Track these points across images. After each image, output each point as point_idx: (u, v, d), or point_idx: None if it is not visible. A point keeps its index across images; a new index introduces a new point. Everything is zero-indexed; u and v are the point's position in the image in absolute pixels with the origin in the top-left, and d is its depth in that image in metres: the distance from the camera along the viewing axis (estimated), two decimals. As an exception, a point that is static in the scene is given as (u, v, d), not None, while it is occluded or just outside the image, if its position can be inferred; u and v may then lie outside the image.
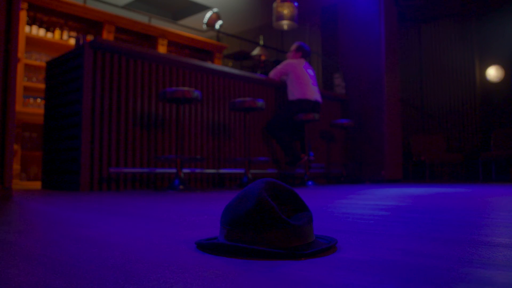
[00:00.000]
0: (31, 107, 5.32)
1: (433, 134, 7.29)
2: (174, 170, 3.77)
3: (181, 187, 3.42)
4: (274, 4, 5.69)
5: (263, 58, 7.72)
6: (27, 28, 5.30)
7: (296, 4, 5.63)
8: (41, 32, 5.48)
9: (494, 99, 7.15)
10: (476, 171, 6.92)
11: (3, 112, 2.32)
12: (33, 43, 5.50)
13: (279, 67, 4.85)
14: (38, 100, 5.43)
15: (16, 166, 4.94)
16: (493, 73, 7.09)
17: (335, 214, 1.62)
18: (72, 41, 5.66)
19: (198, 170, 4.08)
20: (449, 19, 7.50)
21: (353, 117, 5.98)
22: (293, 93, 4.75)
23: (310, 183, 4.69)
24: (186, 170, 3.96)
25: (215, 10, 7.09)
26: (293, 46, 4.97)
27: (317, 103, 4.83)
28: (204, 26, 7.03)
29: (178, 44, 7.06)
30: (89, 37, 5.77)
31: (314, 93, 4.79)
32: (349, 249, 0.87)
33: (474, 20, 7.28)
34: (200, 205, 2.08)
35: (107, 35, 5.92)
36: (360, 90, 6.01)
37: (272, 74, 4.84)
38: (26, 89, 5.35)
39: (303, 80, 4.74)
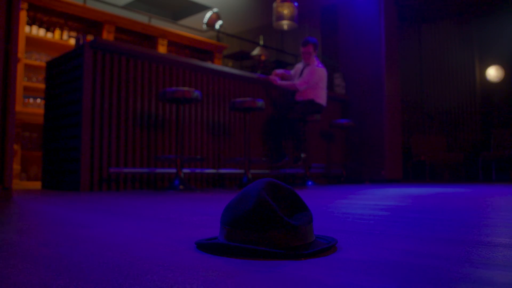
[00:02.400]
0: (31, 107, 5.31)
1: (433, 134, 7.29)
2: (174, 170, 3.77)
3: (181, 187, 3.42)
4: (274, 4, 5.69)
5: (263, 58, 7.72)
6: (27, 28, 5.29)
7: (296, 4, 5.63)
8: (41, 32, 5.48)
9: (494, 99, 7.15)
10: (476, 171, 6.92)
11: (3, 112, 2.32)
12: (33, 43, 5.49)
13: (311, 78, 4.64)
14: (38, 100, 5.43)
15: (16, 166, 4.94)
16: (493, 73, 7.09)
17: (335, 214, 1.63)
18: (72, 41, 5.66)
19: (198, 170, 4.08)
20: (449, 19, 7.50)
21: (353, 117, 5.98)
22: (316, 94, 4.72)
23: (310, 183, 4.69)
24: (186, 170, 3.96)
25: (215, 10, 7.10)
26: (310, 47, 4.70)
27: (324, 107, 4.91)
28: (204, 26, 7.03)
29: (178, 44, 7.05)
30: (89, 37, 5.77)
31: (326, 98, 4.91)
32: (349, 249, 0.87)
33: (474, 20, 7.28)
34: (200, 205, 2.08)
35: (107, 35, 5.92)
36: (360, 90, 6.01)
37: (302, 85, 4.64)
38: (26, 89, 5.35)
39: (324, 88, 4.81)
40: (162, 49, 6.57)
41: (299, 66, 4.93)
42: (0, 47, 2.31)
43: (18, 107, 5.02)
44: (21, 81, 5.16)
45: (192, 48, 7.26)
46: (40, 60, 5.47)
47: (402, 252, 0.84)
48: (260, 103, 3.93)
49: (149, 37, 6.62)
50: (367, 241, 0.98)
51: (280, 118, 4.85)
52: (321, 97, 4.76)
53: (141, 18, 7.22)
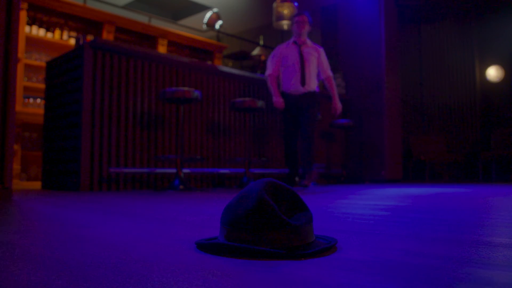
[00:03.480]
0: (31, 107, 5.31)
1: (433, 134, 7.28)
2: (174, 170, 3.77)
3: (181, 187, 3.42)
4: (274, 4, 5.69)
5: (263, 58, 7.72)
6: (27, 28, 5.30)
7: (296, 4, 5.64)
8: (41, 32, 5.48)
9: (494, 99, 7.15)
10: (476, 171, 6.92)
11: (3, 112, 2.32)
12: (33, 43, 5.49)
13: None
14: (38, 100, 5.43)
15: (16, 166, 4.94)
16: (493, 73, 7.08)
17: (335, 214, 1.63)
18: (72, 41, 5.66)
19: (198, 170, 4.08)
20: (449, 19, 7.50)
21: (353, 117, 5.98)
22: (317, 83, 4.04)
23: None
24: (186, 170, 3.96)
25: (215, 10, 7.09)
26: (304, 17, 3.91)
27: None
28: (204, 26, 7.03)
29: (178, 44, 7.05)
30: (89, 37, 5.77)
31: None
32: (349, 249, 0.87)
33: (474, 20, 7.28)
34: (200, 205, 2.08)
35: (107, 35, 5.92)
36: (360, 90, 6.01)
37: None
38: (26, 89, 5.35)
39: None
40: (162, 49, 6.57)
41: (284, 50, 3.94)
42: (0, 47, 2.31)
43: (18, 107, 5.02)
44: (21, 81, 5.16)
45: (192, 48, 7.26)
46: (40, 60, 5.47)
47: (402, 252, 0.84)
48: (260, 103, 3.92)
49: (149, 37, 6.62)
50: (367, 241, 0.98)
51: (295, 128, 3.89)
52: None
53: (141, 18, 7.22)
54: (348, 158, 5.99)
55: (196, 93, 3.44)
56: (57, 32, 5.61)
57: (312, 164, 3.75)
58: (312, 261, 0.75)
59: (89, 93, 3.39)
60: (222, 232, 0.87)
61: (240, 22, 8.93)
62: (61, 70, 3.71)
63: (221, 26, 7.11)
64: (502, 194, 2.88)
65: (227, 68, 4.45)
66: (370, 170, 5.80)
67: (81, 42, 3.49)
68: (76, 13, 5.68)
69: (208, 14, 7.05)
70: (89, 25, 5.99)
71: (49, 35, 5.55)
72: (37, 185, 4.55)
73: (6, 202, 2.12)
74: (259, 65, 7.81)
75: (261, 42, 7.85)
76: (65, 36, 5.69)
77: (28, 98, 5.36)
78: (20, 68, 5.07)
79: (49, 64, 3.92)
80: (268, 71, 3.95)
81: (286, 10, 5.57)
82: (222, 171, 4.31)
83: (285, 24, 5.68)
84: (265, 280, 0.61)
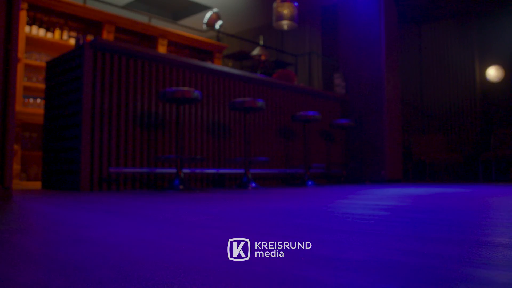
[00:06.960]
0: (31, 107, 5.31)
1: (433, 134, 7.28)
2: (174, 170, 3.77)
3: (181, 187, 3.41)
4: (274, 4, 5.69)
5: (263, 58, 7.72)
6: (27, 28, 5.29)
7: (296, 4, 5.63)
8: (41, 32, 5.47)
9: (494, 99, 7.15)
10: (476, 171, 6.91)
11: (3, 112, 2.32)
12: (33, 43, 5.49)
13: None
14: (38, 100, 5.42)
15: (16, 166, 4.94)
16: (493, 73, 7.09)
17: (335, 214, 1.63)
18: (72, 41, 5.65)
19: (198, 170, 4.08)
20: (449, 19, 7.50)
21: (353, 117, 5.97)
22: None
23: (310, 183, 4.69)
24: (186, 170, 3.96)
25: (215, 10, 7.10)
26: None
27: None
28: (204, 26, 7.03)
29: (178, 44, 7.05)
30: (89, 37, 5.77)
31: None
32: (349, 249, 0.87)
33: (474, 20, 7.28)
34: (200, 205, 2.08)
35: (107, 35, 5.92)
36: (360, 90, 6.01)
37: None
38: (26, 89, 5.35)
39: None
40: (162, 49, 6.57)
41: None
42: (0, 47, 2.31)
43: (18, 107, 5.02)
44: (21, 81, 5.16)
45: (192, 48, 7.25)
46: (40, 60, 5.47)
47: (402, 252, 0.84)
48: (260, 103, 3.92)
49: (149, 37, 6.61)
50: (367, 241, 0.98)
51: None
52: None
53: (141, 18, 7.22)
54: (348, 158, 5.99)
55: (196, 93, 3.44)
56: (57, 32, 5.61)
57: None
58: (312, 261, 0.75)
59: (89, 93, 3.39)
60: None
61: (240, 22, 8.93)
62: (61, 70, 3.71)
63: (221, 26, 7.11)
64: (502, 194, 2.88)
65: (227, 68, 4.45)
66: (370, 170, 5.80)
67: (81, 42, 3.48)
68: (76, 13, 5.68)
69: (208, 14, 7.05)
70: (89, 25, 5.99)
71: (49, 35, 5.55)
72: (37, 185, 4.54)
73: (6, 202, 2.12)
74: (259, 65, 7.82)
75: (261, 42, 7.85)
76: (65, 36, 5.69)
77: (28, 98, 5.36)
78: (20, 68, 5.06)
79: (49, 64, 3.92)
80: None
81: (286, 10, 5.57)
82: (222, 171, 4.31)
83: (285, 24, 5.68)
84: (266, 280, 0.61)
